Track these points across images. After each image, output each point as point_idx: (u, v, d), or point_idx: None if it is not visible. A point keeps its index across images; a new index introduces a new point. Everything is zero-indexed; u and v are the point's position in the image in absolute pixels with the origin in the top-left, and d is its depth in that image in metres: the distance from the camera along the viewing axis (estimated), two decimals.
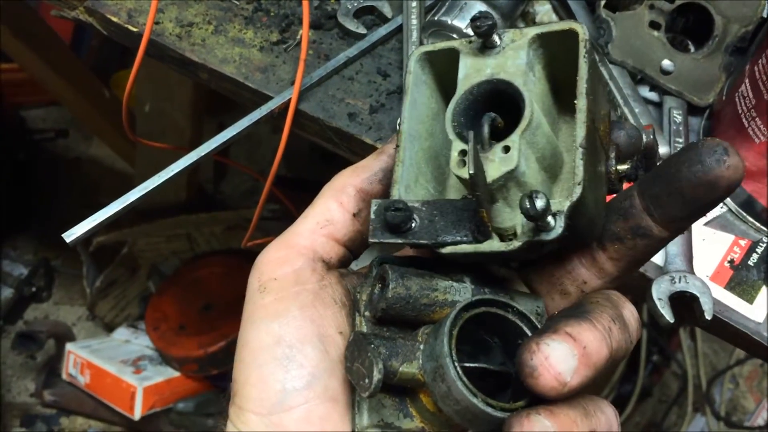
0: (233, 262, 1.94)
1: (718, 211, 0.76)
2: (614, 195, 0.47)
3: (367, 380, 0.40)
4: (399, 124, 0.48)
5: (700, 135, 0.79)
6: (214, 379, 1.89)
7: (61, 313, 2.10)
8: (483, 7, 0.76)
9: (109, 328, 2.06)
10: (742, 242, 0.74)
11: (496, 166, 0.42)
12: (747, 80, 0.71)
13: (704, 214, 0.43)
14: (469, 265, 0.46)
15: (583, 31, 0.44)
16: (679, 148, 0.75)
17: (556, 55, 0.46)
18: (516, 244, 0.42)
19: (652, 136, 0.64)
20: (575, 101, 0.43)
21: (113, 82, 2.06)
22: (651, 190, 0.43)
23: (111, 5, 0.85)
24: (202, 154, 0.75)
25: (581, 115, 0.42)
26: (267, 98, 0.81)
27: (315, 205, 0.50)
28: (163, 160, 0.86)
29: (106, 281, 1.99)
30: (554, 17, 0.82)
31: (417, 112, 0.48)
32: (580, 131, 0.42)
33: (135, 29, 0.84)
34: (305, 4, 0.80)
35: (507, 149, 0.42)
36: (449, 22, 0.76)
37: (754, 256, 0.73)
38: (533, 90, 0.44)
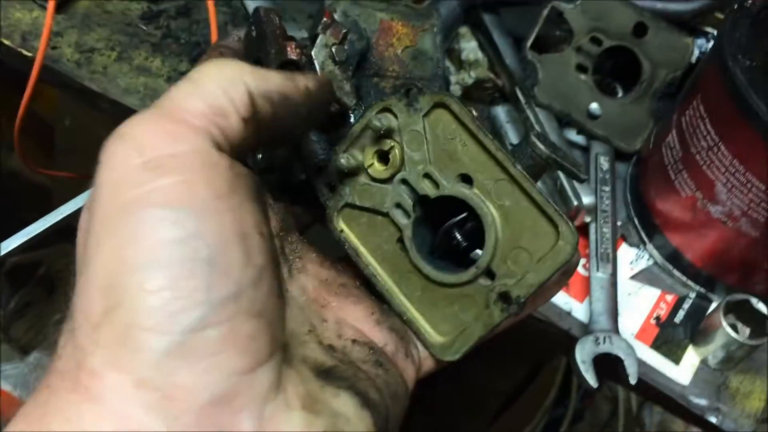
0: None
1: (644, 263, 0.73)
2: None
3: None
4: None
5: (627, 183, 0.76)
6: None
7: None
8: None
9: (25, 351, 1.95)
10: (669, 297, 0.71)
11: None
12: (674, 130, 0.68)
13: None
14: None
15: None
16: (604, 198, 0.72)
17: None
18: None
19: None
20: None
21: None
22: None
23: (4, 26, 0.78)
24: None
25: None
26: None
27: (200, 83, 0.37)
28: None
29: (21, 302, 1.89)
30: (480, 55, 0.78)
31: None
32: None
33: (29, 54, 0.77)
34: (213, 31, 0.75)
35: None
36: None
37: (681, 313, 0.71)
38: None
